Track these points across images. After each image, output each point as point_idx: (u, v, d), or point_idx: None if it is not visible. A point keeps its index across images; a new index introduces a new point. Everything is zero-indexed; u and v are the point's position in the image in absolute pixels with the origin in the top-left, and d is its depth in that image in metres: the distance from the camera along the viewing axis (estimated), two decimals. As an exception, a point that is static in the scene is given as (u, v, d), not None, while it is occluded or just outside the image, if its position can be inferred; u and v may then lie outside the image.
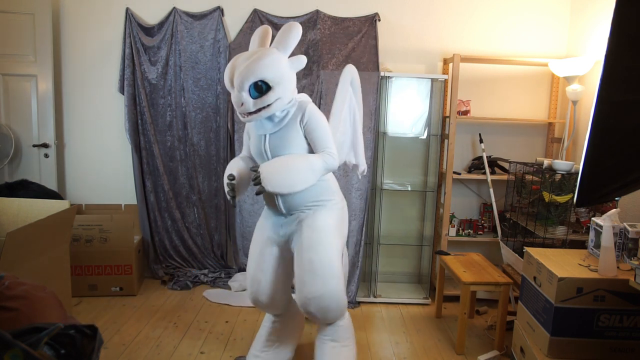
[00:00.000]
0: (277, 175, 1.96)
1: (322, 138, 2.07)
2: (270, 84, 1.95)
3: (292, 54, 2.06)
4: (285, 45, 2.02)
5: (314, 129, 2.06)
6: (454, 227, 3.43)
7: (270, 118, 2.06)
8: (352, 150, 2.49)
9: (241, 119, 2.05)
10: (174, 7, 3.45)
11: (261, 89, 1.94)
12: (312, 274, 2.06)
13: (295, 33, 2.02)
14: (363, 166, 2.53)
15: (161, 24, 3.48)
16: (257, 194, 2.02)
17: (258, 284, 2.26)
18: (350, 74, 2.39)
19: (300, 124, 2.07)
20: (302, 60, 2.06)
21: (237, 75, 1.96)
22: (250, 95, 1.95)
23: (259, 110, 1.99)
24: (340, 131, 2.38)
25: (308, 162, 2.02)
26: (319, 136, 2.07)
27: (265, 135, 2.12)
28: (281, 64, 1.98)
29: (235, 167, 2.19)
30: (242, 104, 1.98)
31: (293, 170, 1.99)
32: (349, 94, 2.40)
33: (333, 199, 2.20)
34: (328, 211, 2.16)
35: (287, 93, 2.02)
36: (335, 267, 2.08)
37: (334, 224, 2.16)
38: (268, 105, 1.98)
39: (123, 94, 3.48)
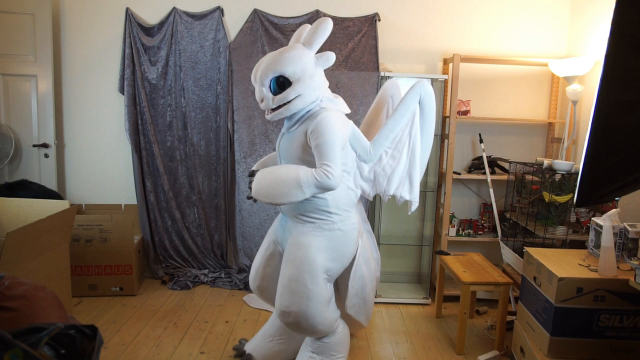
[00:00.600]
0: (262, 182, 1.92)
1: (323, 151, 1.88)
2: (290, 80, 1.90)
3: None
4: (311, 41, 1.96)
5: (317, 139, 1.89)
6: (454, 227, 3.43)
7: (289, 117, 2.00)
8: (407, 181, 2.21)
9: (266, 116, 2.03)
10: (174, 7, 3.45)
11: (283, 85, 1.90)
12: (286, 288, 2.02)
13: (323, 29, 1.94)
14: (416, 203, 2.25)
15: (161, 24, 3.48)
16: (248, 198, 1.99)
17: (255, 272, 2.30)
18: (420, 91, 2.10)
19: (307, 131, 1.95)
20: (329, 57, 1.98)
21: (259, 70, 1.95)
22: (271, 91, 1.93)
23: (280, 107, 1.96)
24: (390, 154, 2.16)
25: (296, 176, 1.85)
26: (320, 149, 1.89)
27: (283, 134, 2.10)
28: (302, 60, 1.91)
29: (260, 164, 2.20)
30: (262, 100, 1.96)
31: (278, 182, 1.88)
32: (411, 112, 2.12)
33: (328, 219, 2.04)
34: (318, 230, 2.04)
35: (308, 91, 1.93)
36: (310, 288, 1.98)
37: (320, 245, 2.02)
38: (288, 102, 1.93)
39: (123, 94, 3.48)
